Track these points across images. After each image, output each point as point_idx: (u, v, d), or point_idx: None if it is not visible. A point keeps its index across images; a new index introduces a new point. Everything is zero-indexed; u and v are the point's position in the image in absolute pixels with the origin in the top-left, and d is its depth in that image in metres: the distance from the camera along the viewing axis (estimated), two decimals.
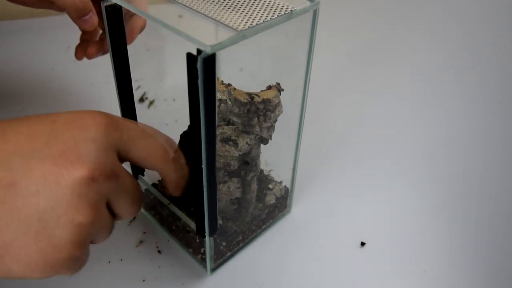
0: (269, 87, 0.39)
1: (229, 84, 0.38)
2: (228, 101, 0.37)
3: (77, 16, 0.43)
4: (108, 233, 0.31)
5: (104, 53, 0.48)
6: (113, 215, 0.31)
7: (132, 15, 0.46)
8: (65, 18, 0.45)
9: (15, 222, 0.26)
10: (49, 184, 0.26)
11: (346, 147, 0.58)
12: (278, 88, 0.38)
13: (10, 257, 0.26)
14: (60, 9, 0.44)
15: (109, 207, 0.30)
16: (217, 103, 0.37)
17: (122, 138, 0.30)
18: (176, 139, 0.45)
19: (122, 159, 0.31)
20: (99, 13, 0.46)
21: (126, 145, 0.31)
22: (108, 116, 0.30)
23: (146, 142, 0.32)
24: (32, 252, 0.27)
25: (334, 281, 0.43)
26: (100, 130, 0.29)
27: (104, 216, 0.29)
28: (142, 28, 0.47)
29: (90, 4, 0.43)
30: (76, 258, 0.28)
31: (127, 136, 0.31)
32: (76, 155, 0.27)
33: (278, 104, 0.38)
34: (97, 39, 0.49)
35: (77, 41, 0.50)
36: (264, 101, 0.37)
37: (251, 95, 0.37)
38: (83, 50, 0.47)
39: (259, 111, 0.37)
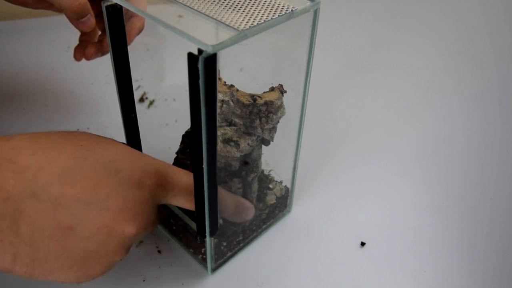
0: (272, 89, 0.39)
1: (232, 85, 0.38)
2: (231, 102, 0.37)
3: (75, 18, 0.43)
4: None
5: (102, 54, 0.48)
6: None
7: (130, 16, 0.46)
8: (65, 19, 0.45)
9: (64, 257, 0.30)
10: (101, 234, 0.30)
11: (346, 147, 0.58)
12: (281, 90, 0.38)
13: (52, 277, 0.30)
14: (59, 10, 0.44)
15: None
16: (219, 104, 0.37)
17: (167, 196, 0.34)
18: (177, 139, 0.45)
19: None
20: (97, 15, 0.46)
21: (167, 200, 0.35)
22: (161, 176, 0.33)
23: (183, 198, 0.35)
24: (71, 278, 0.31)
25: (334, 281, 0.43)
26: (152, 191, 0.33)
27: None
28: (141, 30, 0.47)
29: (88, 6, 0.43)
30: (111, 266, 0.33)
31: (171, 194, 0.34)
32: (131, 214, 0.31)
33: (281, 106, 0.38)
34: (96, 40, 0.49)
35: (77, 41, 0.50)
36: (266, 103, 0.37)
37: (253, 97, 0.37)
38: (81, 51, 0.48)
39: (261, 113, 0.37)
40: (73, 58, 0.48)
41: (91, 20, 0.44)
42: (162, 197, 0.34)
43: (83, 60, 0.49)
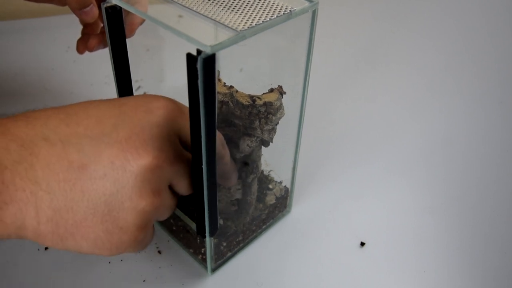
0: (271, 90, 0.39)
1: (231, 86, 0.38)
2: (230, 103, 0.37)
3: (78, 8, 0.43)
4: (171, 211, 0.33)
5: (105, 46, 0.48)
6: (174, 193, 0.33)
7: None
8: (65, 18, 0.45)
9: (84, 203, 0.28)
10: (115, 169, 0.28)
11: (346, 147, 0.58)
12: (280, 91, 0.38)
13: (80, 235, 0.28)
14: (62, 2, 0.45)
15: (171, 186, 0.32)
16: (219, 105, 0.37)
17: (186, 124, 0.31)
18: None
19: (183, 144, 0.32)
20: (99, 6, 0.46)
21: (188, 132, 0.31)
22: (174, 102, 0.31)
23: None
24: (99, 232, 0.28)
25: (334, 281, 0.43)
26: (164, 114, 0.30)
27: (166, 199, 0.31)
28: (143, 21, 0.47)
29: None
30: (139, 240, 0.30)
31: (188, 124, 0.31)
32: (141, 141, 0.29)
33: (280, 107, 0.38)
34: (98, 32, 0.49)
35: (77, 43, 0.50)
36: (265, 104, 0.37)
37: (253, 98, 0.37)
38: (84, 43, 0.48)
39: (261, 114, 0.37)
40: (76, 51, 0.48)
41: (93, 10, 0.44)
42: (181, 125, 0.31)
43: (83, 60, 0.49)
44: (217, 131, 0.31)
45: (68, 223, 0.28)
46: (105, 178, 0.28)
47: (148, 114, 0.30)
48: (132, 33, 0.45)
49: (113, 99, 0.31)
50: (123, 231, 0.29)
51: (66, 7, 0.45)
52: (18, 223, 0.27)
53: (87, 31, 0.49)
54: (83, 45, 0.48)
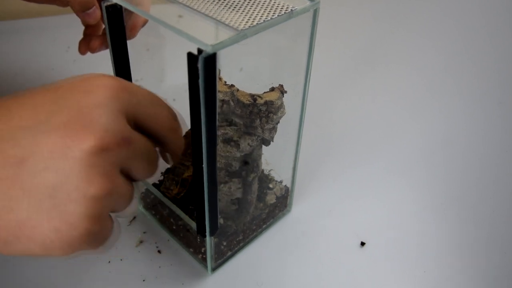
0: (272, 89, 0.39)
1: (232, 85, 0.38)
2: (231, 102, 0.37)
3: (81, 10, 0.43)
4: (128, 200, 0.29)
5: (107, 47, 0.48)
6: (130, 179, 0.30)
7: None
8: (65, 18, 0.45)
9: (26, 201, 0.25)
10: (56, 158, 0.25)
11: (346, 146, 0.58)
12: (281, 90, 0.38)
13: (26, 237, 0.25)
14: (64, 3, 0.44)
15: (124, 172, 0.29)
16: (219, 104, 0.37)
17: (131, 101, 0.28)
18: None
19: (133, 125, 0.29)
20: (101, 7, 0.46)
21: (135, 109, 0.29)
22: (115, 79, 0.29)
23: (156, 108, 0.30)
24: (46, 231, 0.26)
25: (334, 281, 0.43)
26: (107, 93, 0.27)
27: (119, 184, 0.28)
28: (145, 23, 0.47)
29: None
30: (95, 233, 0.27)
31: (136, 99, 0.29)
32: (81, 124, 0.26)
33: (281, 106, 0.38)
34: (100, 33, 0.49)
35: (77, 42, 0.50)
36: (266, 103, 0.37)
37: (253, 97, 0.37)
38: (86, 44, 0.48)
39: (262, 113, 0.37)
40: (78, 52, 0.48)
41: (96, 12, 0.43)
42: (126, 102, 0.28)
43: (83, 60, 0.49)
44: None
45: (11, 225, 0.25)
46: (46, 170, 0.25)
47: (87, 95, 0.27)
48: (134, 34, 0.45)
49: (49, 84, 0.28)
50: (73, 227, 0.26)
51: (67, 8, 0.45)
52: None
53: (89, 32, 0.48)
54: (85, 46, 0.48)
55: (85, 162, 0.25)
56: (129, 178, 0.29)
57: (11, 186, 0.25)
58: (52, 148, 0.25)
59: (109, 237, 0.29)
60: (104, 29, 0.49)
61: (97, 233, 0.27)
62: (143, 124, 0.30)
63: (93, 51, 0.47)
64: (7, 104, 0.27)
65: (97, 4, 0.43)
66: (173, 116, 0.31)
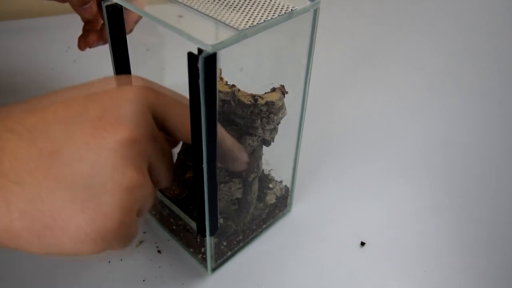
0: (273, 89, 0.39)
1: (233, 85, 0.38)
2: (232, 103, 0.37)
3: (79, 4, 0.44)
4: (152, 201, 0.30)
5: (105, 42, 0.49)
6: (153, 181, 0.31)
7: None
8: (65, 19, 0.45)
9: (61, 191, 0.25)
10: (91, 149, 0.26)
11: (346, 146, 0.58)
12: (282, 91, 0.38)
13: (60, 228, 0.25)
14: (62, 0, 0.45)
15: (148, 170, 0.29)
16: (220, 104, 0.37)
17: (159, 101, 0.29)
18: None
19: (158, 126, 0.31)
20: (99, 4, 0.46)
21: (161, 110, 0.30)
22: (144, 80, 0.30)
23: (181, 110, 0.31)
24: (81, 222, 0.26)
25: (334, 281, 0.43)
26: (137, 91, 0.28)
27: (148, 179, 0.29)
28: (139, 19, 0.47)
29: None
30: (126, 226, 0.27)
31: (163, 100, 0.30)
32: (115, 117, 0.27)
33: (282, 106, 0.38)
34: (98, 28, 0.49)
35: (77, 44, 0.50)
36: (267, 104, 0.37)
37: (254, 97, 0.37)
38: (84, 40, 0.48)
39: (263, 114, 0.37)
40: (78, 48, 0.49)
41: (93, 6, 0.45)
42: (154, 102, 0.29)
43: (83, 60, 0.49)
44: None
45: (45, 215, 0.25)
46: (81, 160, 0.25)
47: (119, 91, 0.28)
48: (128, 30, 0.46)
49: (80, 84, 0.29)
50: (107, 217, 0.26)
51: (66, 6, 0.46)
52: None
53: (88, 28, 0.49)
54: (83, 42, 0.48)
55: (119, 153, 0.26)
56: (153, 180, 0.30)
57: (45, 176, 0.25)
58: (87, 139, 0.26)
59: (135, 236, 0.30)
60: (102, 24, 0.49)
61: (127, 228, 0.28)
62: (170, 126, 0.31)
63: (90, 46, 0.48)
64: (39, 100, 0.27)
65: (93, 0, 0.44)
66: (220, 128, 0.32)
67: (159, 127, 0.30)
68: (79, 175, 0.25)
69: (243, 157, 0.37)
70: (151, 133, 0.29)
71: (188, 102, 0.30)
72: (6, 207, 0.24)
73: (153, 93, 0.29)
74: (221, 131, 0.33)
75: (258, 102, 0.37)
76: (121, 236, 0.28)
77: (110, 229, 0.26)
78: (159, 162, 0.30)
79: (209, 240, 0.39)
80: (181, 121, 0.31)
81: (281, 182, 0.47)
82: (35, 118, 0.26)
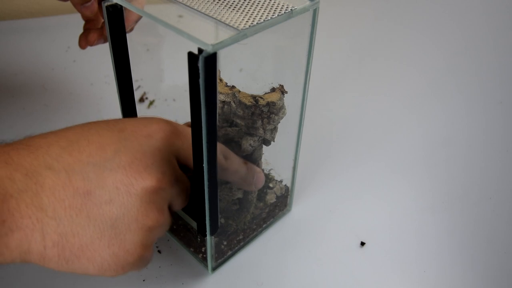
0: (273, 90, 0.39)
1: (233, 86, 0.38)
2: (232, 104, 0.37)
3: (80, 2, 0.45)
4: (167, 228, 0.33)
5: (105, 40, 0.49)
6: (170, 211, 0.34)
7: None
8: (65, 19, 0.45)
9: (91, 228, 0.29)
10: (121, 194, 0.29)
11: (346, 146, 0.58)
12: (282, 91, 0.38)
13: (86, 258, 0.29)
14: None
15: (169, 205, 0.33)
16: (220, 105, 0.37)
17: (184, 146, 0.33)
18: None
19: (179, 162, 0.34)
20: (99, 2, 0.47)
21: (186, 152, 0.33)
22: (171, 124, 0.33)
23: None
24: (106, 255, 0.29)
25: (334, 281, 0.43)
26: (164, 139, 0.32)
27: (168, 217, 0.32)
28: (139, 18, 0.48)
29: None
30: (144, 258, 0.31)
31: (187, 144, 0.33)
32: (143, 165, 0.30)
33: (282, 106, 0.38)
34: (99, 27, 0.50)
35: (77, 43, 0.50)
36: (268, 104, 0.37)
37: (255, 98, 0.37)
38: (85, 38, 0.48)
39: (263, 114, 0.37)
40: (79, 47, 0.49)
41: (94, 4, 0.45)
42: (179, 147, 0.33)
43: (83, 60, 0.49)
44: (218, 143, 0.32)
45: (75, 247, 0.28)
46: (111, 203, 0.29)
47: (148, 139, 0.31)
48: (128, 29, 0.46)
49: (112, 122, 0.32)
50: (129, 253, 0.30)
51: (66, 6, 0.46)
52: (24, 248, 0.27)
53: (89, 26, 0.49)
54: (84, 40, 0.49)
55: (145, 198, 0.30)
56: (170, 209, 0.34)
57: (78, 214, 0.28)
58: (117, 184, 0.29)
59: (150, 261, 0.33)
60: (103, 22, 0.49)
61: (146, 258, 0.32)
62: (186, 162, 0.34)
63: (91, 44, 0.48)
64: (76, 138, 0.30)
65: None
66: (223, 154, 0.36)
67: (182, 164, 0.34)
68: (108, 215, 0.29)
69: (259, 178, 0.40)
70: (175, 176, 0.32)
71: None
72: (42, 237, 0.28)
73: (179, 138, 0.33)
74: (227, 162, 0.36)
75: (259, 103, 0.37)
76: (139, 265, 0.32)
77: (130, 262, 0.30)
78: (179, 197, 0.33)
79: (209, 240, 0.39)
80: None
81: (281, 181, 0.47)
82: (72, 158, 0.29)
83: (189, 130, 0.33)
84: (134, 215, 0.29)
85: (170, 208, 0.33)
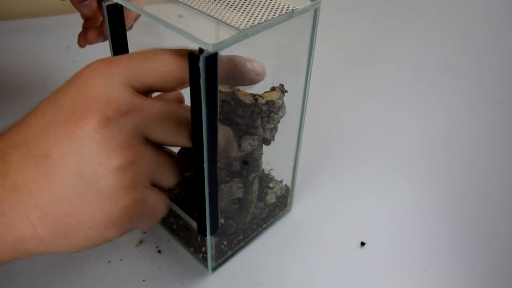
0: (273, 88, 0.39)
1: None
2: (232, 102, 0.37)
3: (79, 1, 0.44)
4: (168, 166, 0.31)
5: (104, 39, 0.49)
6: (161, 145, 0.31)
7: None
8: (65, 19, 0.45)
9: (63, 190, 0.27)
10: (74, 143, 0.27)
11: (347, 146, 0.58)
12: (282, 90, 0.38)
13: (78, 223, 0.27)
14: None
15: (150, 139, 0.30)
16: (220, 104, 0.37)
17: (130, 70, 0.29)
18: None
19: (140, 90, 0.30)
20: (99, 1, 0.47)
21: (135, 77, 0.29)
22: (103, 59, 0.30)
23: (155, 63, 0.30)
24: (94, 212, 0.27)
25: (334, 281, 0.43)
26: (100, 72, 0.29)
27: (144, 152, 0.29)
28: (138, 17, 0.48)
29: None
30: (138, 202, 0.28)
31: (133, 64, 0.29)
32: (84, 106, 0.27)
33: (282, 105, 0.38)
34: (98, 25, 0.50)
35: (77, 44, 0.50)
36: (268, 103, 0.37)
37: (255, 97, 0.37)
38: (84, 37, 0.48)
39: (263, 113, 0.37)
40: (78, 45, 0.49)
41: (92, 3, 0.45)
42: (124, 71, 0.29)
43: (83, 61, 0.49)
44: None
45: (61, 216, 0.27)
46: (69, 156, 0.27)
47: (83, 81, 0.29)
48: (128, 27, 0.46)
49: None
50: (112, 200, 0.27)
51: (66, 6, 0.46)
52: (15, 235, 0.27)
53: (88, 24, 0.49)
54: (83, 39, 0.49)
55: (98, 137, 0.27)
56: (159, 145, 0.30)
57: (48, 181, 0.27)
58: (68, 135, 0.27)
59: (159, 207, 0.30)
60: (102, 21, 0.50)
61: (142, 201, 0.29)
62: (149, 85, 0.30)
63: (90, 42, 0.48)
64: (23, 118, 0.29)
65: None
66: (173, 65, 0.30)
67: (145, 93, 0.30)
68: (72, 170, 0.27)
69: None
70: (126, 103, 0.28)
71: (155, 53, 0.30)
72: (26, 217, 0.26)
73: (120, 64, 0.29)
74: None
75: (258, 101, 0.37)
76: (141, 213, 0.29)
77: (120, 210, 0.28)
78: (154, 126, 0.29)
79: (209, 240, 0.39)
80: (159, 73, 0.29)
81: (281, 181, 0.47)
82: (24, 132, 0.28)
83: (136, 53, 0.30)
84: (95, 159, 0.27)
85: (156, 141, 0.30)
